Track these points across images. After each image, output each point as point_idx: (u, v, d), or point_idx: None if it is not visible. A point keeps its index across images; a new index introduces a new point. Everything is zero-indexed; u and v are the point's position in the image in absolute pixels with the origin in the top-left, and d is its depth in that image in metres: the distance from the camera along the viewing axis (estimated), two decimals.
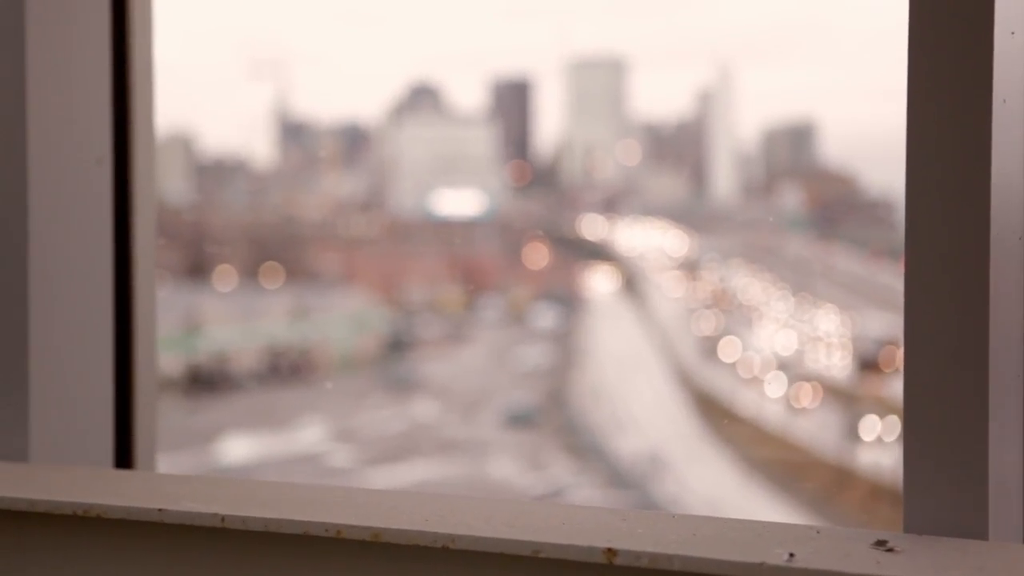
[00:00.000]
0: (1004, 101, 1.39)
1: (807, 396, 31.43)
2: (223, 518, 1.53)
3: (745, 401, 33.83)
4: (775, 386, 32.59)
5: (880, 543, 1.36)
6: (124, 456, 2.02)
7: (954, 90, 1.38)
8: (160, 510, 1.56)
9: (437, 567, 1.46)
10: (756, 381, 35.17)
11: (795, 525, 1.43)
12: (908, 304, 1.40)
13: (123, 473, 1.91)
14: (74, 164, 1.94)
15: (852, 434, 24.01)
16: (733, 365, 37.68)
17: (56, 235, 1.92)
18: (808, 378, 34.43)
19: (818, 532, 1.42)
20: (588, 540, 1.39)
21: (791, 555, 1.32)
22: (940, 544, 1.36)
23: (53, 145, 1.90)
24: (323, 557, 1.51)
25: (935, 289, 1.39)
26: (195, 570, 1.59)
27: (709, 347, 39.03)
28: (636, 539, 1.39)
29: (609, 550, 1.37)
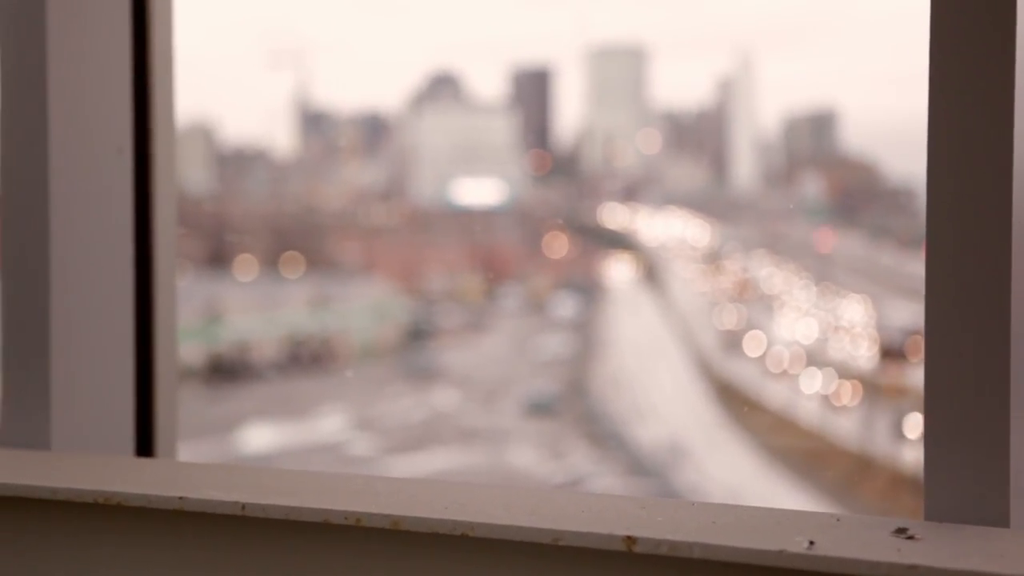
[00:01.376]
0: None
1: (847, 394, 31.26)
2: (243, 506, 1.53)
3: (776, 396, 33.70)
4: (810, 381, 32.54)
5: (901, 531, 1.35)
6: (145, 444, 2.02)
7: (976, 76, 1.37)
8: (181, 498, 1.57)
9: (456, 555, 1.46)
10: (787, 375, 35.06)
11: (815, 513, 1.43)
12: (929, 292, 1.40)
13: (144, 461, 1.91)
14: (95, 154, 1.94)
15: (896, 432, 23.97)
16: (760, 358, 37.60)
17: (77, 224, 1.92)
18: (831, 366, 34.30)
19: (838, 520, 1.41)
20: (607, 528, 1.39)
21: (811, 543, 1.32)
22: (961, 532, 1.35)
23: (74, 135, 1.91)
24: (343, 545, 1.52)
25: (956, 277, 1.38)
26: (215, 557, 1.59)
27: (733, 340, 38.94)
28: (655, 527, 1.38)
29: (628, 538, 1.37)
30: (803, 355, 36.43)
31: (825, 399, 30.87)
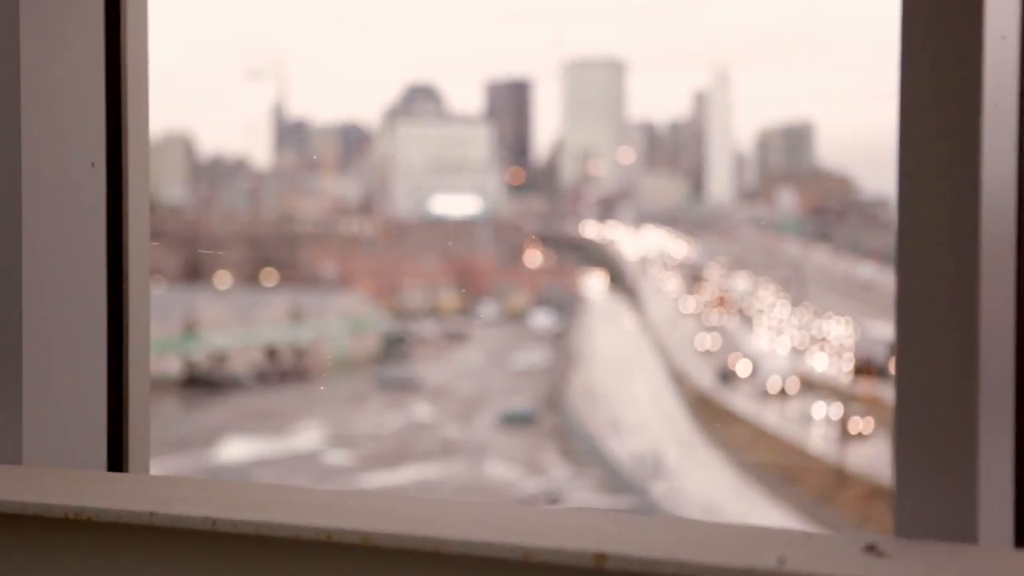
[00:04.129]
0: (995, 105, 1.39)
1: (861, 422, 31.08)
2: (214, 521, 1.53)
3: (782, 422, 33.55)
4: (818, 407, 32.40)
5: (870, 548, 1.36)
6: (117, 459, 2.02)
7: (945, 94, 1.38)
8: (151, 513, 1.56)
9: (427, 571, 1.46)
10: (785, 399, 34.89)
11: (786, 529, 1.43)
12: (900, 309, 1.41)
13: (115, 476, 1.91)
14: (68, 167, 1.94)
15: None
16: (751, 379, 37.39)
17: (50, 238, 1.92)
18: (815, 383, 34.18)
19: (809, 537, 1.42)
20: (578, 544, 1.39)
21: (781, 559, 1.32)
22: (930, 548, 1.36)
23: (47, 148, 1.91)
24: (314, 560, 1.52)
25: (926, 294, 1.39)
26: (186, 573, 1.59)
27: (718, 360, 38.65)
28: (626, 544, 1.39)
29: (599, 555, 1.37)
30: (795, 376, 36.19)
31: (839, 426, 30.67)
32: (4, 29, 1.87)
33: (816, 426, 31.77)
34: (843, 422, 30.54)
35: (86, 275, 1.97)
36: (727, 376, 37.30)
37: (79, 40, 1.95)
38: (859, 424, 30.66)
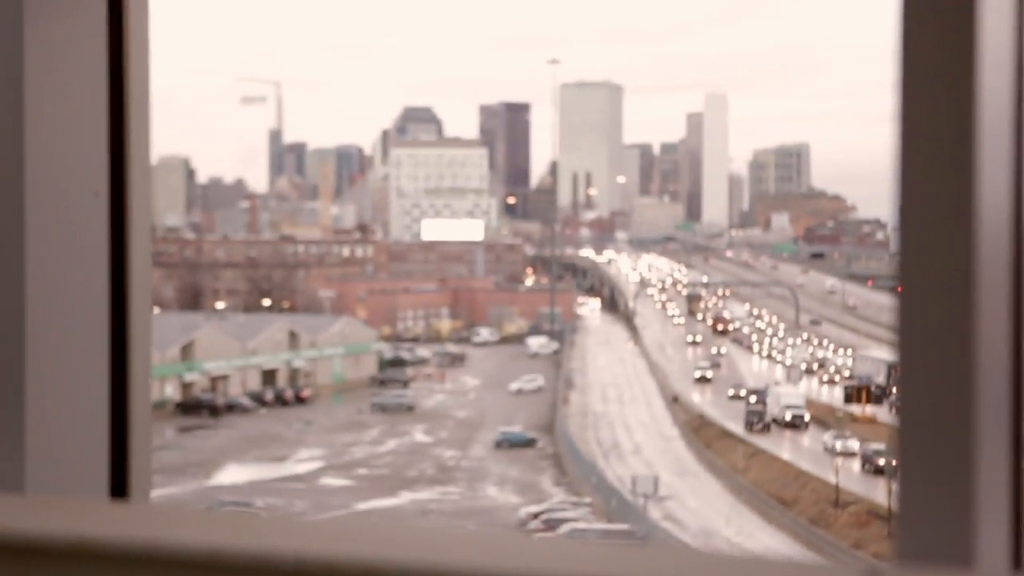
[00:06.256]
0: (992, 134, 1.40)
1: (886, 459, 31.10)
2: (217, 551, 1.53)
3: (785, 449, 33.53)
4: (835, 440, 32.27)
5: (870, 574, 1.36)
6: (119, 485, 2.02)
7: (941, 122, 1.40)
8: (155, 543, 1.56)
9: None
10: (792, 427, 34.84)
11: (786, 557, 1.44)
12: (901, 339, 1.42)
13: (118, 505, 1.91)
14: (71, 197, 1.95)
15: None
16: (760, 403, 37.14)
17: (53, 266, 1.93)
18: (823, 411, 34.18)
19: (809, 564, 1.43)
20: (580, 571, 1.39)
21: None
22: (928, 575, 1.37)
23: (51, 179, 1.92)
24: None
25: (926, 323, 1.40)
26: None
27: (715, 387, 38.64)
28: (627, 570, 1.39)
29: None
30: (800, 402, 36.10)
31: (860, 459, 30.58)
32: (8, 61, 1.88)
33: (838, 458, 31.64)
34: (865, 455, 30.41)
35: (89, 303, 1.98)
36: (758, 416, 37.11)
37: (82, 73, 1.97)
38: (883, 460, 30.51)
